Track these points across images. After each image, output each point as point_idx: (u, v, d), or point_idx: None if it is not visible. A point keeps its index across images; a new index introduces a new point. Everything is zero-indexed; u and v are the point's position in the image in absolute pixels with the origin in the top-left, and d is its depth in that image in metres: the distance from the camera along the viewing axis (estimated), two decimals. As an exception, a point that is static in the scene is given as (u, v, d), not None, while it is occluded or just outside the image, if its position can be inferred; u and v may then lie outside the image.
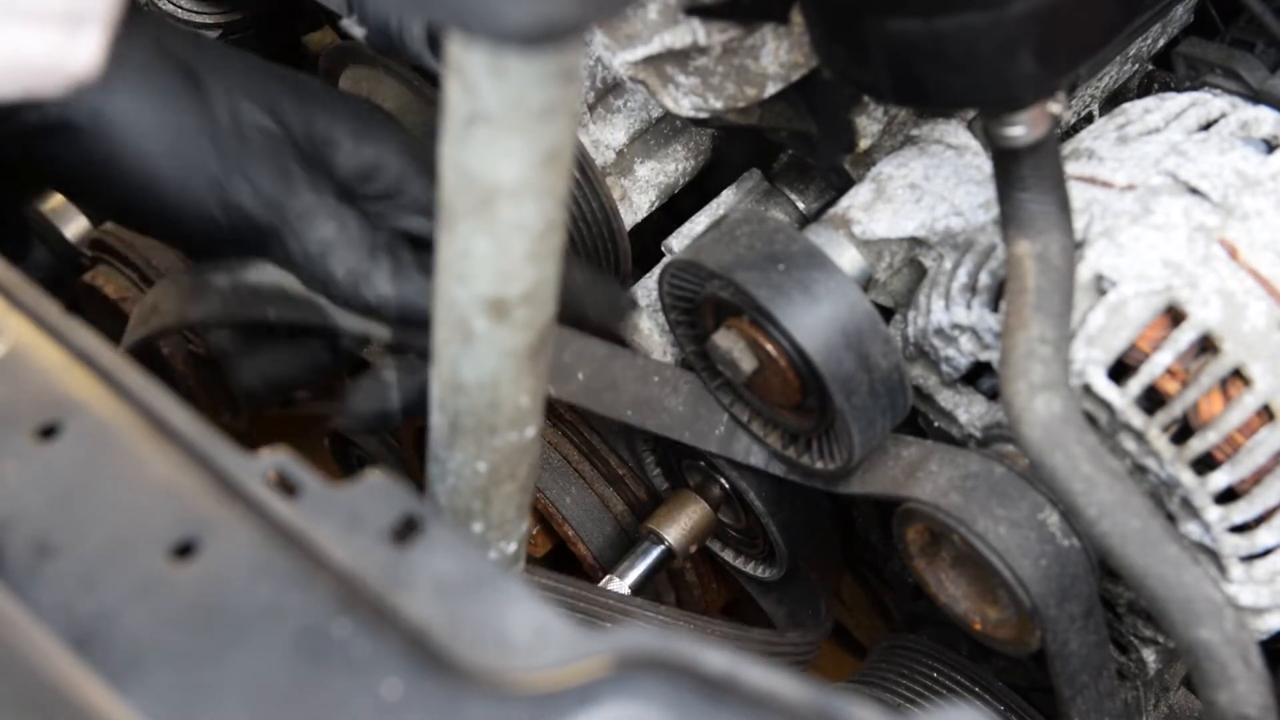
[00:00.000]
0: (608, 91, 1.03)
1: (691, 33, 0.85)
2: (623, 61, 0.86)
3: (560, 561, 1.18)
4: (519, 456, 0.71)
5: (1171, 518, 0.84)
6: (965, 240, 0.91)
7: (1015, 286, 0.81)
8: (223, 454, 0.58)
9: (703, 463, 1.04)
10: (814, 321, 0.85)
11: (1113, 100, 1.11)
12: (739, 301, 0.87)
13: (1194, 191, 0.85)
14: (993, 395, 0.91)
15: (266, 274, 0.79)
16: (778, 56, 0.88)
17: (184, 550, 0.57)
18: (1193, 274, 0.81)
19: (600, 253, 1.03)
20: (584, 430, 1.13)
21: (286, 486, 0.58)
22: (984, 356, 0.88)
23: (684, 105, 0.90)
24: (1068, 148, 0.92)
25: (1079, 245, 0.83)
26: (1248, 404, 0.80)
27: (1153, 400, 0.82)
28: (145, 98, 0.75)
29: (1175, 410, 0.80)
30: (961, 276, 0.88)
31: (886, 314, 0.95)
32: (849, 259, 0.93)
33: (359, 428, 0.87)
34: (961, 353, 0.89)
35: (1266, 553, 0.82)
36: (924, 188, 0.94)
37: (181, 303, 0.81)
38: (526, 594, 0.54)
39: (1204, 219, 0.83)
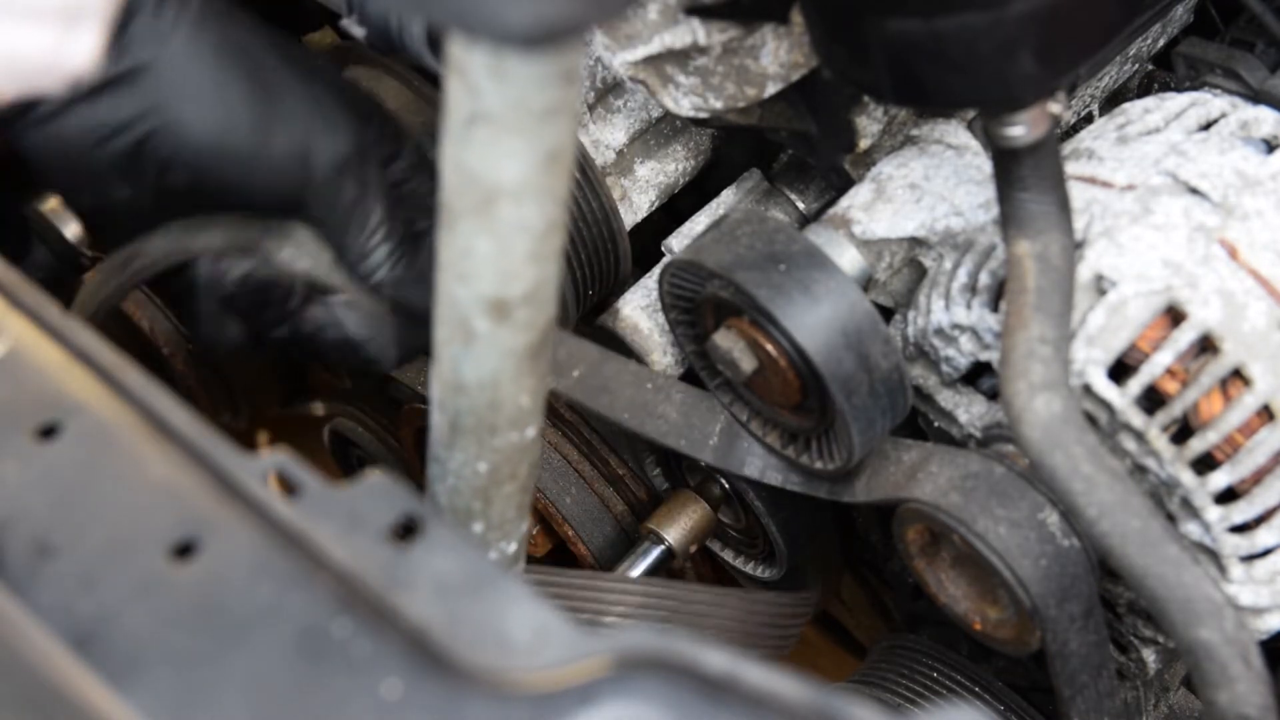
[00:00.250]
0: (608, 91, 1.03)
1: (691, 33, 0.85)
2: (623, 61, 0.86)
3: (560, 561, 1.18)
4: (519, 456, 0.71)
5: (1171, 518, 0.84)
6: (965, 240, 0.91)
7: (1015, 286, 0.81)
8: (223, 454, 0.59)
9: (703, 463, 1.04)
10: (814, 321, 0.85)
11: (1113, 100, 1.11)
12: (739, 301, 0.87)
13: (1194, 191, 0.85)
14: (993, 395, 0.91)
15: (291, 238, 0.82)
16: (778, 56, 0.88)
17: (184, 550, 0.57)
18: (1193, 274, 0.81)
19: (600, 253, 1.03)
20: (584, 430, 1.13)
21: (286, 486, 0.58)
22: (984, 356, 0.88)
23: (684, 105, 0.90)
24: (1068, 148, 0.92)
25: (1079, 245, 0.83)
26: (1248, 404, 0.80)
27: (1153, 400, 0.82)
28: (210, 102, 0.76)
29: (1175, 410, 0.80)
30: (961, 276, 0.88)
31: (886, 314, 0.95)
32: (849, 259, 0.93)
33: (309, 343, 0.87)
34: (961, 353, 0.89)
35: (1266, 553, 0.82)
36: (924, 188, 0.94)
37: (181, 235, 0.81)
38: (526, 594, 0.54)
39: (1204, 219, 0.83)
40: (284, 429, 1.50)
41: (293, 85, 0.79)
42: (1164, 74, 1.13)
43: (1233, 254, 0.82)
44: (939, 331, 0.89)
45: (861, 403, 0.86)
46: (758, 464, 0.98)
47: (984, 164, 0.95)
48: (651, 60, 0.87)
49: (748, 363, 0.89)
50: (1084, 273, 0.82)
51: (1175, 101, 0.93)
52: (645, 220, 1.07)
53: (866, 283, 0.94)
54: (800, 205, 1.08)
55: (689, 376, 1.03)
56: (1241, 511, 0.81)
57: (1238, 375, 0.80)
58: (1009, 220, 0.82)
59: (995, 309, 0.86)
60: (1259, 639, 0.80)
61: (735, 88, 0.89)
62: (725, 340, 0.89)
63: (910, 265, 0.96)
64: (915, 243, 0.94)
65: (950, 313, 0.88)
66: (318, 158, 0.78)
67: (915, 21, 0.74)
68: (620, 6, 0.51)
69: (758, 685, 0.51)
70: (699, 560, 1.16)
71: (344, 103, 0.80)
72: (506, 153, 0.56)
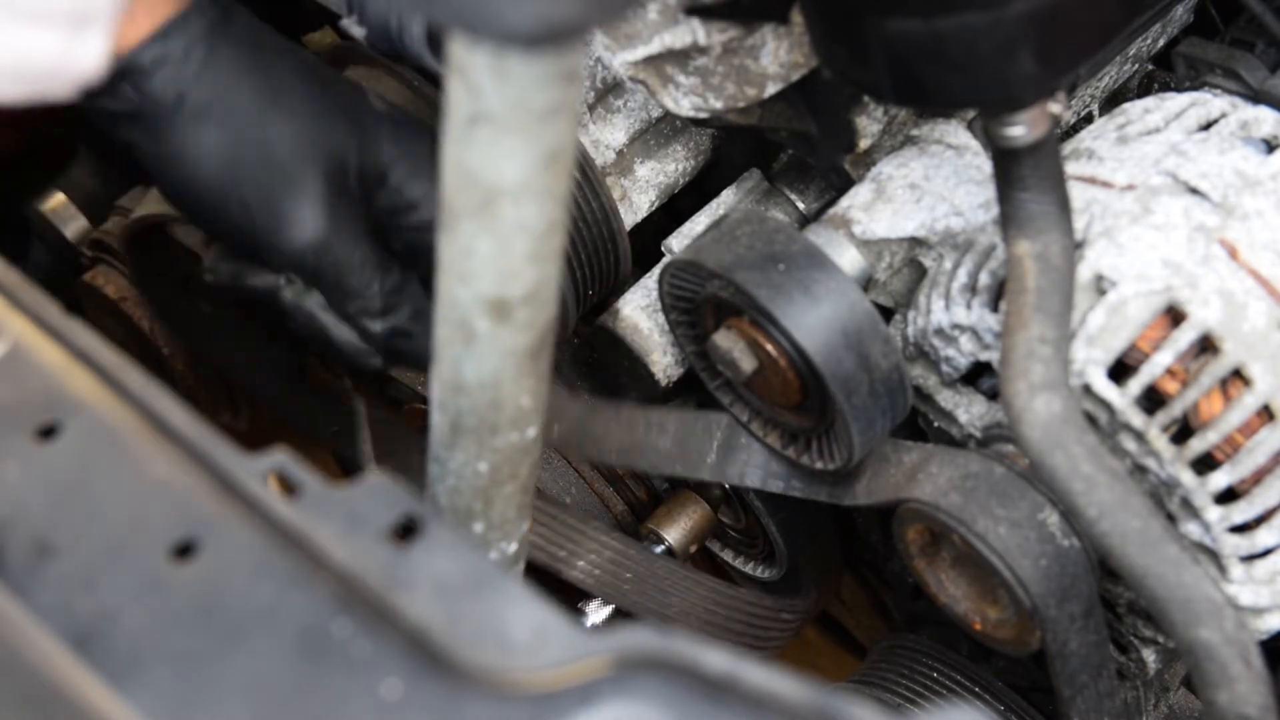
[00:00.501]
0: (608, 91, 1.03)
1: (691, 33, 0.85)
2: (623, 61, 0.86)
3: (560, 561, 1.18)
4: (520, 457, 0.71)
5: (1171, 518, 0.84)
6: (965, 240, 0.91)
7: (1015, 286, 0.81)
8: (223, 454, 0.59)
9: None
10: (814, 321, 0.85)
11: (1113, 100, 1.11)
12: (739, 301, 0.87)
13: (1194, 191, 0.85)
14: (993, 395, 0.91)
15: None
16: (778, 56, 0.88)
17: (184, 550, 0.57)
18: (1193, 274, 0.81)
19: (600, 253, 1.03)
20: (584, 430, 1.13)
21: (286, 486, 0.58)
22: (984, 356, 0.88)
23: (684, 105, 0.90)
24: (1068, 148, 0.92)
25: (1079, 245, 0.83)
26: (1248, 404, 0.80)
27: (1153, 400, 0.82)
28: (212, 120, 0.77)
29: (1175, 410, 0.80)
30: (961, 276, 0.88)
31: (886, 314, 0.95)
32: (849, 259, 0.93)
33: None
34: (961, 353, 0.89)
35: (1266, 553, 0.82)
36: (924, 188, 0.94)
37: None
38: (526, 594, 0.54)
39: (1204, 219, 0.83)
40: (284, 429, 1.50)
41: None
42: (1164, 74, 1.13)
43: (1233, 254, 0.82)
44: (939, 331, 0.89)
45: (861, 402, 0.86)
46: (758, 473, 0.98)
47: (984, 164, 0.95)
48: (651, 60, 0.87)
49: (748, 363, 0.89)
50: (1084, 273, 0.82)
51: (1175, 101, 0.93)
52: (645, 220, 1.07)
53: (866, 283, 0.94)
54: (800, 205, 1.08)
55: (689, 377, 1.03)
56: (1241, 511, 0.81)
57: (1238, 375, 0.80)
58: (1009, 220, 0.82)
59: (995, 309, 0.86)
60: (1259, 639, 0.80)
61: (735, 88, 0.89)
62: (725, 340, 0.89)
63: (910, 265, 0.96)
64: (915, 243, 0.94)
65: (950, 313, 0.88)
66: (287, 244, 0.79)
67: (915, 21, 0.74)
68: (622, 7, 0.51)
69: (758, 685, 0.51)
70: (699, 560, 1.16)
71: (311, 154, 0.79)
72: (507, 153, 0.56)
